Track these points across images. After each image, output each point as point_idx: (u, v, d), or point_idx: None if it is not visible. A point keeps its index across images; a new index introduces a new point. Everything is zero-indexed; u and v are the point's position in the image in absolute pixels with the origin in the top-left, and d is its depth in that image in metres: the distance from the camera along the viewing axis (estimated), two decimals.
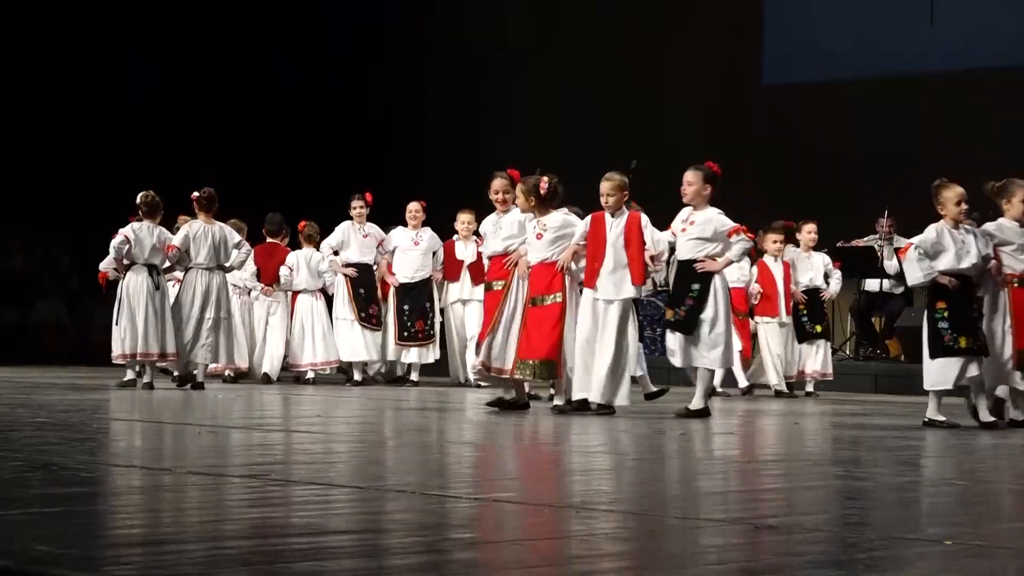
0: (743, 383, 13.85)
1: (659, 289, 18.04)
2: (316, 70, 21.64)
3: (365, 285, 14.74)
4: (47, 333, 20.12)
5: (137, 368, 13.16)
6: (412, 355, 14.73)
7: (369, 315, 14.68)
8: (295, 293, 15.19)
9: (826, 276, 14.18)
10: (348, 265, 14.71)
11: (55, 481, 5.52)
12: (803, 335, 13.96)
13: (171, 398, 11.64)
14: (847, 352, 16.54)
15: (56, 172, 19.23)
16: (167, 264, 13.03)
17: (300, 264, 15.07)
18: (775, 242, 13.94)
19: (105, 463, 6.38)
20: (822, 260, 14.29)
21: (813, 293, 14.08)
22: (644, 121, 19.53)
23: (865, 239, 16.09)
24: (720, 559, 3.97)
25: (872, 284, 16.21)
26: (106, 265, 14.23)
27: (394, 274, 14.66)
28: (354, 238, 14.77)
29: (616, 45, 20.31)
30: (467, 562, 3.83)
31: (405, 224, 14.82)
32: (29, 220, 19.80)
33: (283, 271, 15.00)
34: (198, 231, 13.00)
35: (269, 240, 15.37)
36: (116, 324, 12.88)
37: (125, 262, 12.87)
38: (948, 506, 5.37)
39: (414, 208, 14.73)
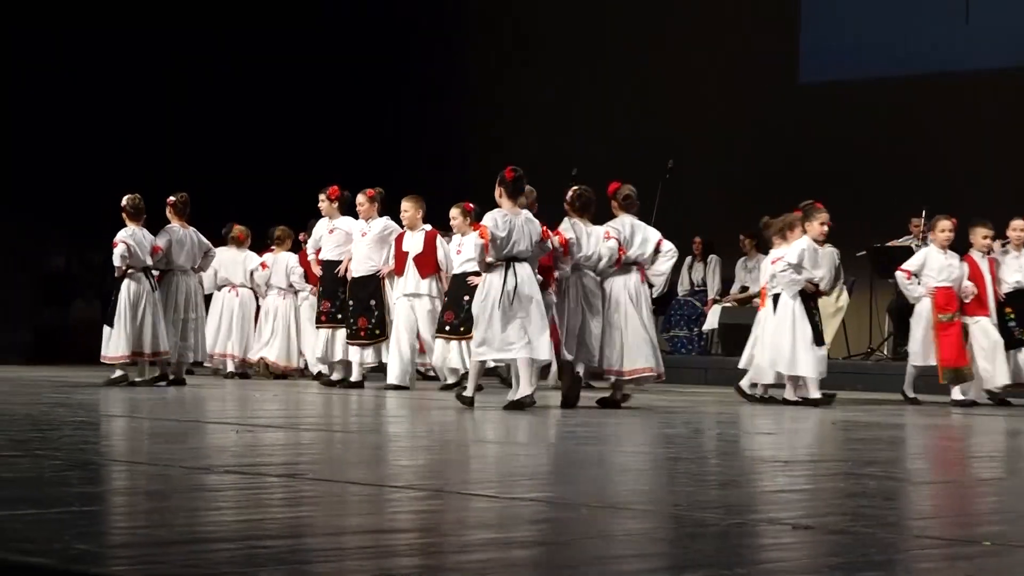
0: (956, 395, 12.17)
1: (696, 288, 18.04)
2: (328, 75, 21.64)
3: (324, 282, 14.03)
4: (84, 332, 20.23)
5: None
6: (355, 355, 13.72)
7: (320, 312, 14.09)
8: None
9: None
10: (320, 263, 14.08)
11: (94, 479, 5.55)
12: (1011, 341, 12.43)
13: (206, 397, 11.69)
14: (885, 352, 16.46)
15: (91, 170, 19.26)
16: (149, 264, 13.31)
17: None
18: (984, 237, 12.58)
19: (143, 462, 6.41)
20: None
21: (1020, 295, 12.55)
22: (680, 121, 19.50)
23: (902, 239, 16.01)
24: (756, 559, 3.96)
25: None
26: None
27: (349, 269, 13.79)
28: (323, 235, 14.08)
29: (651, 44, 20.27)
30: (506, 562, 3.83)
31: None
32: (69, 219, 19.89)
33: None
34: (180, 235, 13.36)
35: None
36: (112, 326, 13.05)
37: (125, 268, 13.08)
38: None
39: (359, 199, 13.71)
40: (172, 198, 13.47)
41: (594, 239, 10.77)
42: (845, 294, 15.61)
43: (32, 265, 20.35)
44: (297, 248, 15.94)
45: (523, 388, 10.12)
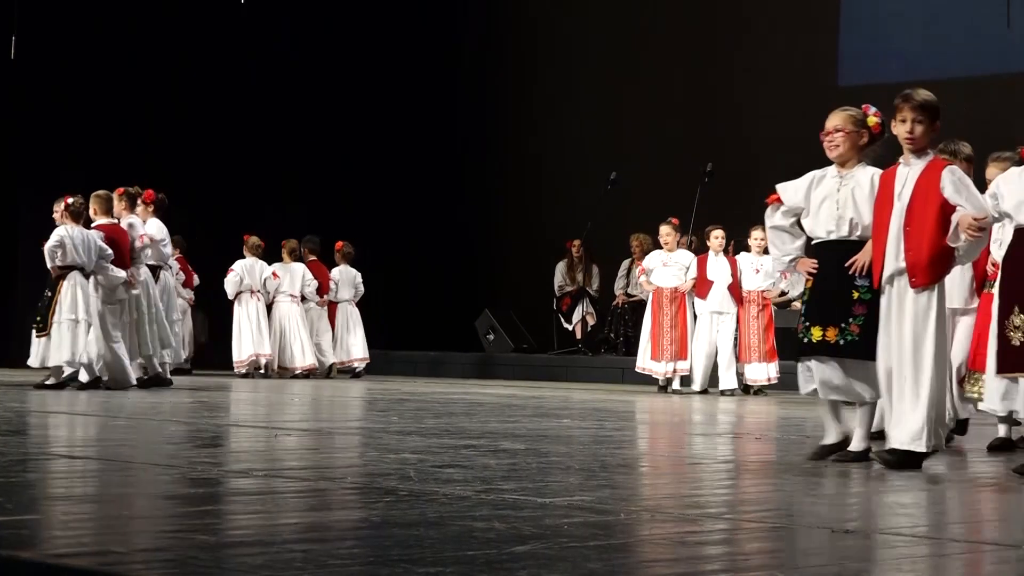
0: None
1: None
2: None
3: None
4: None
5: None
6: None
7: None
8: (333, 303, 17.76)
9: None
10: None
11: (128, 483, 5.56)
12: None
13: (254, 400, 11.73)
14: None
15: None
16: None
17: (341, 279, 17.77)
18: (716, 237, 12.73)
19: (178, 465, 6.41)
20: None
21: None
22: (718, 125, 19.45)
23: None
24: (799, 563, 3.93)
25: None
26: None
27: None
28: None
29: (691, 46, 20.23)
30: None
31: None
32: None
33: (332, 285, 17.67)
34: (79, 236, 13.04)
35: (313, 258, 17.84)
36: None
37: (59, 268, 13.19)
38: None
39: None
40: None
41: None
42: None
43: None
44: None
45: None
